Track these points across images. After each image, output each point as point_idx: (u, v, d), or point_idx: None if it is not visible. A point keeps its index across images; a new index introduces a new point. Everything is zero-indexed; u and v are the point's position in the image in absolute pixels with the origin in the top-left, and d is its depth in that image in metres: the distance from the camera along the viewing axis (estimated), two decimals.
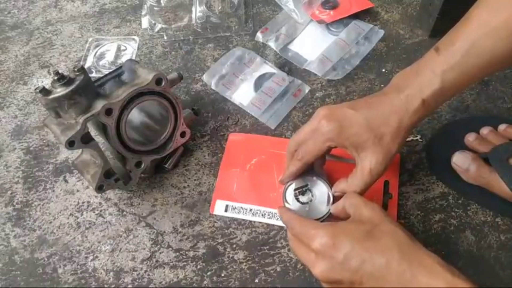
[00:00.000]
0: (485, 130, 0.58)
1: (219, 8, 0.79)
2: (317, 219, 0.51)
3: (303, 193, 0.54)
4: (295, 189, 0.54)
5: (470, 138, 0.58)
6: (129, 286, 0.54)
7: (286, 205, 0.53)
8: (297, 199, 0.54)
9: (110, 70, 0.58)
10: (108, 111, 0.52)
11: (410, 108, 0.49)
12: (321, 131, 0.50)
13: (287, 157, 0.55)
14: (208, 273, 0.55)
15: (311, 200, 0.53)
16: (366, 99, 0.52)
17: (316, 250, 0.44)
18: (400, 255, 0.41)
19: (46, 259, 0.57)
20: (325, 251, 0.43)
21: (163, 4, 0.79)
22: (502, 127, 0.59)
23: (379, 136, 0.49)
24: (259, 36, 0.77)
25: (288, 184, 0.55)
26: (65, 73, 0.51)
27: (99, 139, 0.57)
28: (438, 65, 0.48)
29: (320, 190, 0.54)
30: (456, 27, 0.50)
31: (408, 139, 0.64)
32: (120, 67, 0.58)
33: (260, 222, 0.58)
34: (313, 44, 0.76)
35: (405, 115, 0.49)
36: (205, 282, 0.54)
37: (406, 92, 0.49)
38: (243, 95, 0.70)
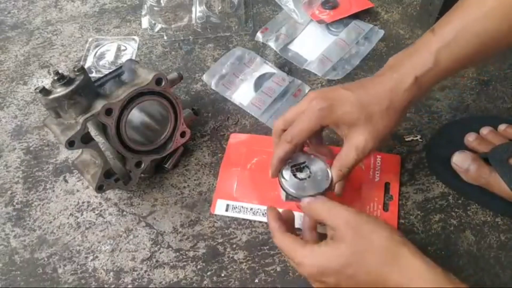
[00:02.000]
0: (485, 130, 0.58)
1: (219, 8, 0.79)
2: (317, 194, 0.49)
3: (300, 170, 0.51)
4: (292, 166, 0.51)
5: (470, 138, 0.58)
6: (129, 286, 0.54)
7: (283, 181, 0.51)
8: (295, 175, 0.51)
9: (110, 70, 0.58)
10: (108, 111, 0.52)
11: (402, 86, 0.48)
12: (312, 109, 0.49)
13: (273, 140, 0.53)
14: (208, 273, 0.55)
15: (309, 176, 0.50)
16: (361, 80, 0.52)
17: (302, 275, 0.47)
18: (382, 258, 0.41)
19: (46, 259, 0.57)
20: (314, 278, 0.45)
21: (163, 4, 0.79)
22: (502, 127, 0.58)
23: (369, 115, 0.48)
24: (259, 36, 0.77)
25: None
26: (65, 73, 0.51)
27: (99, 139, 0.57)
28: (433, 44, 0.48)
29: (319, 167, 0.51)
30: (453, 8, 0.50)
31: (408, 139, 0.64)
32: (120, 67, 0.58)
33: (260, 222, 0.58)
34: (313, 44, 0.76)
35: (397, 93, 0.48)
36: (205, 282, 0.54)
37: (400, 71, 0.49)
38: (243, 95, 0.70)
